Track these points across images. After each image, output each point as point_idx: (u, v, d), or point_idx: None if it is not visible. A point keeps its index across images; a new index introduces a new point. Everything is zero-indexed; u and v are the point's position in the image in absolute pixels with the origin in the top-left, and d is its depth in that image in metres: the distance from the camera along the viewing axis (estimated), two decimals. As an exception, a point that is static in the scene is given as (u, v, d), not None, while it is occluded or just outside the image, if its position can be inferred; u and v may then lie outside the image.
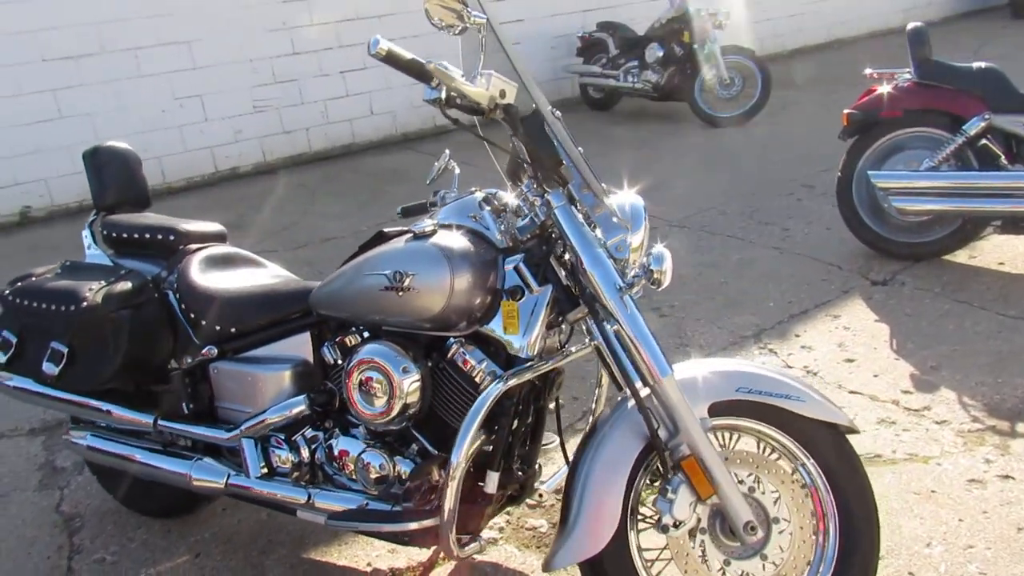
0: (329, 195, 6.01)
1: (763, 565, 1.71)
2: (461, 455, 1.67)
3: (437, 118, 7.70)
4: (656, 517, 1.69)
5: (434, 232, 1.81)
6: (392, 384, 1.81)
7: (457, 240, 1.78)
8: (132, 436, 2.22)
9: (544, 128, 1.70)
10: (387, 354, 1.83)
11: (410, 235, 1.83)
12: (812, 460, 1.76)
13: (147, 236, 2.27)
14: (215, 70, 6.62)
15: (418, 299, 1.73)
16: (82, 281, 2.10)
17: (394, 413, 1.82)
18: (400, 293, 1.74)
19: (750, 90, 6.76)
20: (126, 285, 2.09)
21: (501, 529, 2.29)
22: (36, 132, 5.93)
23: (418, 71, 1.61)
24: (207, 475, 2.05)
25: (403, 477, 1.87)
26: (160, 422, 2.13)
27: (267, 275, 2.25)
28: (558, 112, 1.78)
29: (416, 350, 1.86)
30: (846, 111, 3.70)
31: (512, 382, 1.71)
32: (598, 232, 1.74)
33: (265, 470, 2.02)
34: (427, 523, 1.75)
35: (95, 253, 2.34)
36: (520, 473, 1.95)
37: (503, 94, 1.68)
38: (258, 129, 6.94)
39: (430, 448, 1.89)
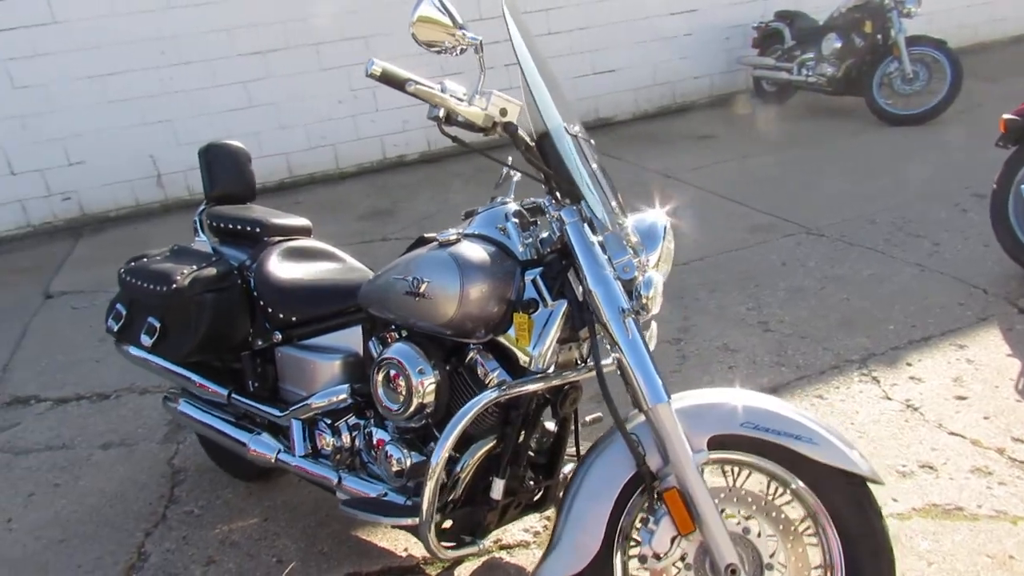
0: (481, 186, 6.21)
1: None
2: (438, 458, 1.72)
3: (599, 111, 7.69)
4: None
5: (457, 241, 1.86)
6: (410, 383, 1.90)
7: (475, 251, 1.81)
8: (214, 406, 2.48)
9: (554, 147, 1.71)
10: (408, 354, 1.92)
11: (435, 243, 1.90)
12: (823, 508, 1.64)
13: (239, 227, 2.51)
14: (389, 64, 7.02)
15: (432, 305, 1.80)
16: (179, 265, 2.37)
17: (411, 411, 1.90)
18: (417, 298, 1.82)
19: (936, 85, 6.13)
20: (212, 271, 2.33)
21: (537, 534, 2.32)
22: (229, 119, 6.60)
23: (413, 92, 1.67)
24: (261, 448, 2.26)
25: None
26: (233, 396, 2.37)
27: (335, 269, 2.41)
28: (578, 128, 1.77)
29: (437, 353, 1.93)
30: (1005, 117, 3.29)
31: (511, 392, 1.74)
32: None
33: (309, 450, 2.19)
34: (407, 521, 1.83)
35: (201, 239, 2.62)
36: (532, 483, 1.97)
37: (504, 112, 1.70)
38: (423, 120, 7.23)
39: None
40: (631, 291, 1.69)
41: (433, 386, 1.90)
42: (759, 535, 1.64)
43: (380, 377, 1.96)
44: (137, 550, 2.46)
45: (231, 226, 2.53)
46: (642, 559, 1.63)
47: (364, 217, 5.75)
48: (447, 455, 1.73)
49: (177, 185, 6.59)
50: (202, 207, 2.68)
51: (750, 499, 1.67)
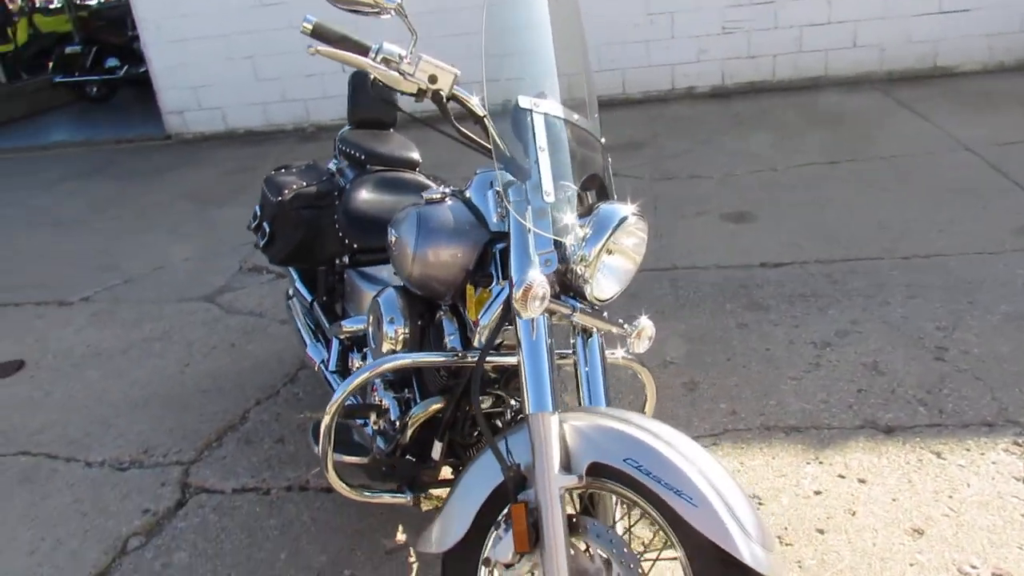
0: (754, 131, 5.73)
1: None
2: (329, 408, 1.76)
3: (938, 58, 6.56)
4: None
5: (440, 200, 1.85)
6: (382, 329, 1.97)
7: (443, 214, 1.79)
8: (305, 309, 2.78)
9: (486, 123, 1.60)
10: (390, 301, 1.99)
11: (422, 198, 1.90)
12: (694, 574, 1.41)
13: (352, 152, 2.70)
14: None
15: (397, 259, 1.84)
16: (296, 179, 2.65)
17: (383, 352, 1.98)
18: (391, 250, 1.87)
19: None
20: (313, 189, 2.57)
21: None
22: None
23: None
24: (312, 353, 2.51)
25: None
26: (314, 303, 2.64)
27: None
28: (536, 102, 1.63)
29: (417, 306, 1.96)
30: None
31: (396, 365, 1.75)
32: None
33: (339, 367, 2.39)
34: (352, 456, 1.93)
35: (333, 160, 2.88)
36: (475, 452, 1.95)
37: (433, 79, 1.61)
38: (722, 51, 6.84)
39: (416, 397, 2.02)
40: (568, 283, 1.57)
41: (402, 336, 1.95)
42: (611, 579, 1.47)
43: (371, 318, 2.06)
44: (243, 413, 2.92)
45: (348, 150, 2.74)
46: (485, 561, 1.56)
47: (615, 148, 5.66)
48: (340, 401, 1.74)
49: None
50: (343, 129, 2.92)
51: (622, 545, 1.49)
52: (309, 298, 2.66)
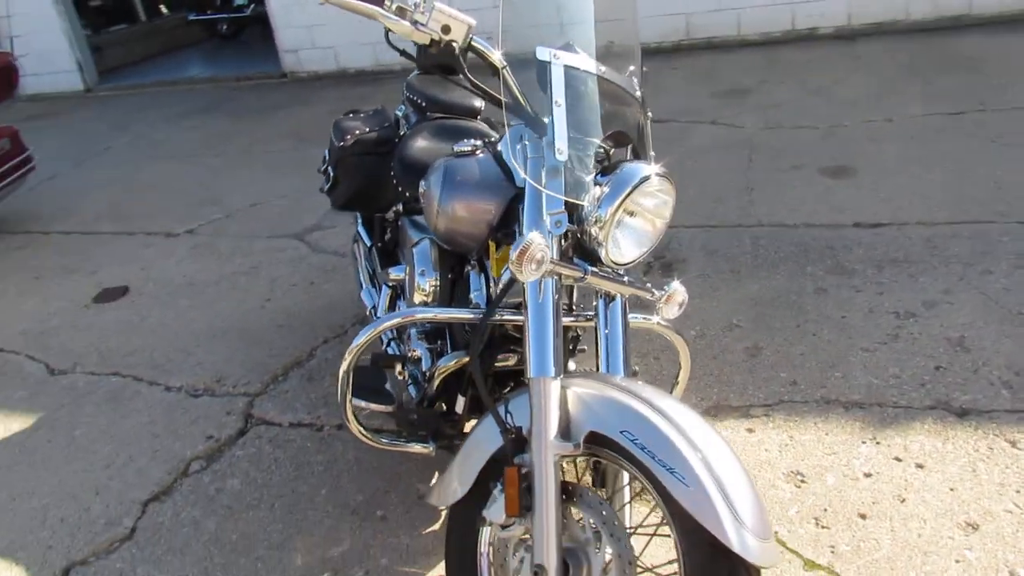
0: (874, 76, 5.29)
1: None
2: (347, 354, 1.78)
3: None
4: (492, 508, 1.57)
5: (471, 153, 1.82)
6: (414, 279, 1.98)
7: (471, 168, 1.76)
8: (365, 254, 2.82)
9: (504, 75, 1.54)
10: (423, 253, 1.99)
11: (452, 150, 1.87)
12: (681, 558, 1.36)
13: (415, 99, 2.69)
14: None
15: (426, 211, 1.83)
16: (360, 124, 2.67)
17: (415, 303, 2.00)
18: (422, 200, 1.86)
19: None
20: (373, 136, 2.58)
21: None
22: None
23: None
24: (365, 297, 2.56)
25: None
26: (372, 248, 2.67)
27: None
28: (557, 54, 1.55)
29: (450, 259, 1.96)
30: None
31: (416, 318, 1.75)
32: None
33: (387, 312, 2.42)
34: (376, 405, 1.96)
35: (401, 105, 2.87)
36: None
37: (446, 30, 1.55)
38: (852, -12, 6.32)
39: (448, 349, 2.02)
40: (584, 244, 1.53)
41: (432, 289, 1.95)
42: (598, 551, 1.44)
43: (407, 268, 2.07)
44: (310, 351, 3.03)
45: (412, 97, 2.72)
46: (480, 520, 1.56)
47: (718, 95, 5.39)
48: (357, 349, 1.75)
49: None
50: (411, 75, 2.90)
51: (613, 517, 1.45)
52: (368, 243, 2.70)
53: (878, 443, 2.14)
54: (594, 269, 1.54)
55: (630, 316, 1.77)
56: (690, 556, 1.34)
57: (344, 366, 1.75)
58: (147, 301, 3.65)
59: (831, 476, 2.05)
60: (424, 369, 2.01)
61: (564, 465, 1.58)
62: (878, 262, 3.04)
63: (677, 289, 1.71)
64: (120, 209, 4.96)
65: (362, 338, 1.71)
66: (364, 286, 2.63)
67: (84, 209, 5.04)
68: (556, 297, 1.50)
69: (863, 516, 1.91)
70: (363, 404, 1.94)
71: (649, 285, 1.70)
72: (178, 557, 2.08)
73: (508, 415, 1.53)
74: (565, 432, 1.46)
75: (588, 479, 1.66)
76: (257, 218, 4.49)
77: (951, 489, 1.96)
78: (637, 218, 1.58)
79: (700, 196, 3.85)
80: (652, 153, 1.80)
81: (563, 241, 1.56)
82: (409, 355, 2.08)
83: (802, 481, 2.04)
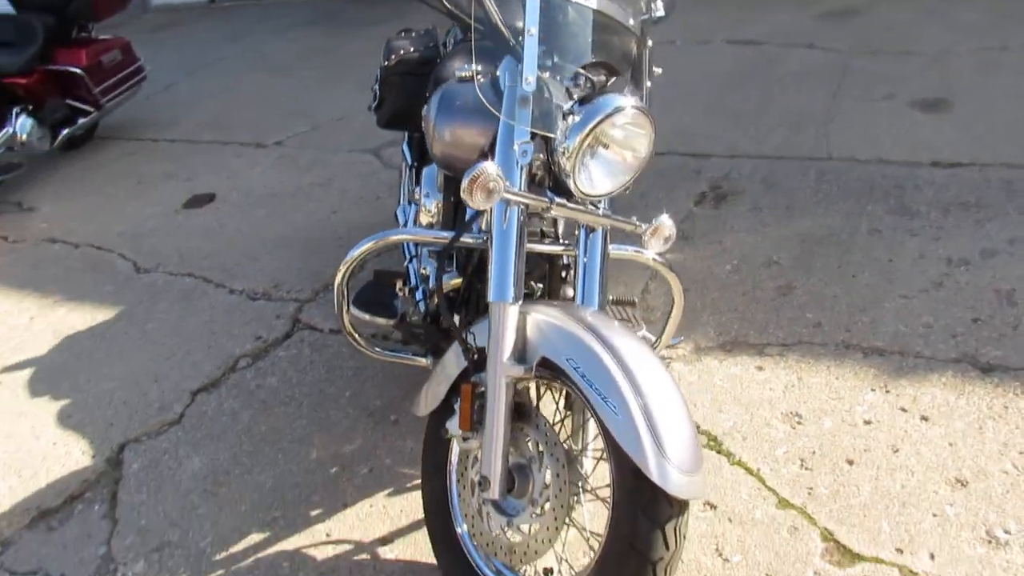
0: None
1: (508, 530, 1.56)
2: (340, 267, 1.87)
3: None
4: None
5: (470, 78, 1.85)
6: (420, 201, 2.07)
7: (468, 93, 1.80)
8: (406, 172, 2.90)
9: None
10: (429, 176, 2.08)
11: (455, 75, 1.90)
12: (611, 483, 1.43)
13: (461, 17, 2.70)
14: None
15: (426, 134, 1.89)
16: (408, 44, 2.72)
17: (422, 224, 2.09)
18: (424, 124, 1.92)
19: None
20: (416, 56, 2.63)
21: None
22: None
23: None
24: (400, 213, 2.67)
25: None
26: (412, 168, 2.76)
27: None
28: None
29: (452, 185, 2.02)
30: None
31: (398, 238, 1.83)
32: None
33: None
34: (380, 318, 2.07)
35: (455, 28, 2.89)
36: None
37: None
38: None
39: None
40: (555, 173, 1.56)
41: (436, 210, 2.03)
42: (540, 470, 1.52)
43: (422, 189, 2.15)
44: (362, 263, 3.17)
45: (457, 15, 2.73)
46: (443, 431, 1.66)
47: (823, 16, 5.06)
48: (350, 262, 1.83)
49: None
50: (465, -7, 2.90)
51: (555, 440, 1.51)
52: (408, 162, 2.78)
53: (888, 392, 2.08)
54: (560, 200, 1.56)
55: (620, 248, 1.79)
56: (619, 481, 1.40)
57: (338, 279, 1.87)
58: (229, 209, 3.90)
59: (829, 420, 2.02)
60: (431, 287, 2.11)
61: (539, 389, 1.66)
62: (945, 205, 2.86)
63: (664, 223, 1.70)
64: (221, 119, 5.25)
65: (354, 253, 1.82)
66: (401, 203, 2.73)
67: (190, 118, 5.36)
68: (520, 225, 1.54)
69: (850, 462, 1.90)
70: (367, 317, 2.06)
71: (634, 218, 1.71)
72: (214, 443, 2.32)
73: (472, 336, 1.60)
74: (521, 356, 1.52)
75: (562, 404, 1.72)
76: (340, 132, 4.65)
77: (950, 444, 1.90)
78: (612, 150, 1.58)
79: (775, 125, 3.69)
80: (648, 84, 1.78)
81: (534, 170, 1.59)
82: (420, 272, 2.18)
83: (798, 423, 2.03)
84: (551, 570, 1.60)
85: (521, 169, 1.56)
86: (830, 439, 1.97)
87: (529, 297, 1.92)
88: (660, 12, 1.99)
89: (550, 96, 1.59)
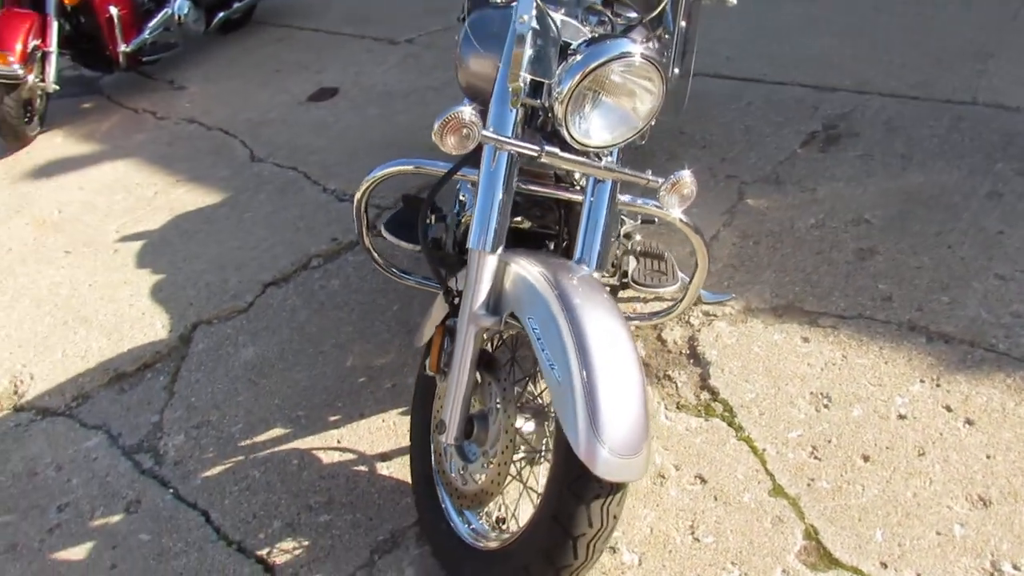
0: None
1: (464, 474, 1.59)
2: (357, 193, 1.89)
3: None
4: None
5: (504, 5, 1.77)
6: None
7: (494, 21, 1.72)
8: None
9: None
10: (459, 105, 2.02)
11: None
12: (553, 443, 1.41)
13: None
14: None
15: (455, 62, 1.85)
16: None
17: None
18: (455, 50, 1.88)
19: None
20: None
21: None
22: None
23: None
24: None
25: None
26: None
27: None
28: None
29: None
30: None
31: (395, 169, 1.83)
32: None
33: None
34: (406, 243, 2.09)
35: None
36: None
37: None
38: None
39: None
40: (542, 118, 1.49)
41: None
42: (494, 423, 1.51)
43: None
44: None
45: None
46: (425, 368, 1.68)
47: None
48: (367, 186, 1.86)
49: None
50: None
51: (508, 396, 1.50)
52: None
53: (938, 385, 1.87)
54: (552, 149, 1.48)
55: (635, 201, 1.69)
56: (556, 447, 1.38)
57: (356, 199, 1.91)
58: (346, 105, 4.01)
59: (859, 408, 1.86)
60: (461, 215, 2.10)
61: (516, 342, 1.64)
62: (1096, 173, 2.44)
63: (683, 178, 1.58)
64: (363, 12, 5.33)
65: (370, 179, 1.84)
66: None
67: (337, 9, 5.48)
68: (508, 170, 1.49)
69: (866, 458, 1.74)
70: (392, 239, 2.09)
71: (648, 172, 1.60)
72: (269, 336, 2.48)
73: (456, 280, 1.59)
74: (496, 306, 1.50)
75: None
76: (469, 32, 4.59)
77: (987, 456, 1.69)
78: (615, 100, 1.47)
79: (921, 56, 3.25)
80: (682, 24, 1.62)
81: (538, 112, 1.52)
82: (459, 199, 2.17)
83: (825, 406, 1.88)
84: (503, 520, 1.61)
85: (517, 111, 1.49)
86: (852, 429, 1.81)
87: (543, 239, 1.88)
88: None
89: (556, 35, 1.49)
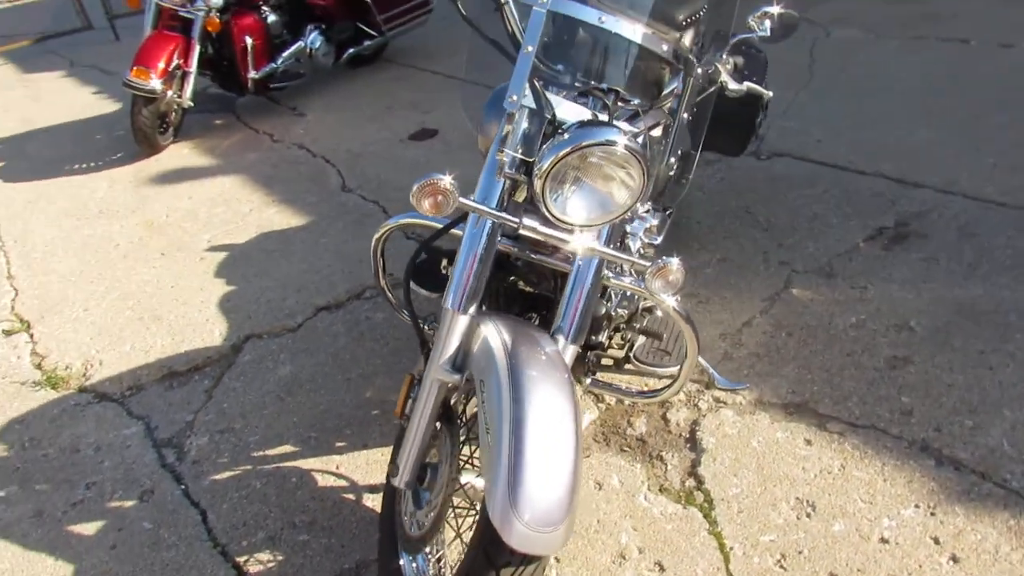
0: None
1: (413, 517, 1.64)
2: (373, 240, 1.99)
3: None
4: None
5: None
6: None
7: None
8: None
9: (506, 12, 1.55)
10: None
11: None
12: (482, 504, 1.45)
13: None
14: None
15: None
16: None
17: None
18: None
19: None
20: None
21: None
22: None
23: None
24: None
25: None
26: None
27: None
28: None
29: None
30: None
31: (403, 222, 1.91)
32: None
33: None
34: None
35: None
36: None
37: None
38: None
39: None
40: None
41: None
42: (440, 475, 1.57)
43: None
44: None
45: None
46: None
47: None
48: (383, 232, 1.93)
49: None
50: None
51: (454, 451, 1.55)
52: None
53: (932, 514, 1.77)
54: (530, 223, 1.54)
55: (621, 280, 1.71)
56: (482, 509, 1.42)
57: (372, 244, 2.02)
58: (441, 147, 4.21)
59: (841, 523, 1.78)
60: None
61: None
62: None
63: (670, 265, 1.60)
64: (491, 61, 5.55)
65: (383, 229, 1.96)
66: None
67: (462, 51, 5.74)
68: (489, 237, 1.56)
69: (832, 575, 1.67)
70: (414, 287, 2.19)
71: (636, 255, 1.63)
72: (307, 356, 2.65)
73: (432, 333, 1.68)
74: (461, 364, 1.57)
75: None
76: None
77: (964, 600, 1.59)
78: (593, 182, 1.51)
79: (1020, 161, 3.07)
80: (685, 115, 1.65)
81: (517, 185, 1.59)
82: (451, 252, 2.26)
83: (807, 514, 1.81)
84: (441, 558, 1.66)
85: (504, 182, 1.56)
86: (828, 544, 1.74)
87: (540, 303, 1.92)
88: (765, 32, 1.81)
89: (552, 115, 1.56)
